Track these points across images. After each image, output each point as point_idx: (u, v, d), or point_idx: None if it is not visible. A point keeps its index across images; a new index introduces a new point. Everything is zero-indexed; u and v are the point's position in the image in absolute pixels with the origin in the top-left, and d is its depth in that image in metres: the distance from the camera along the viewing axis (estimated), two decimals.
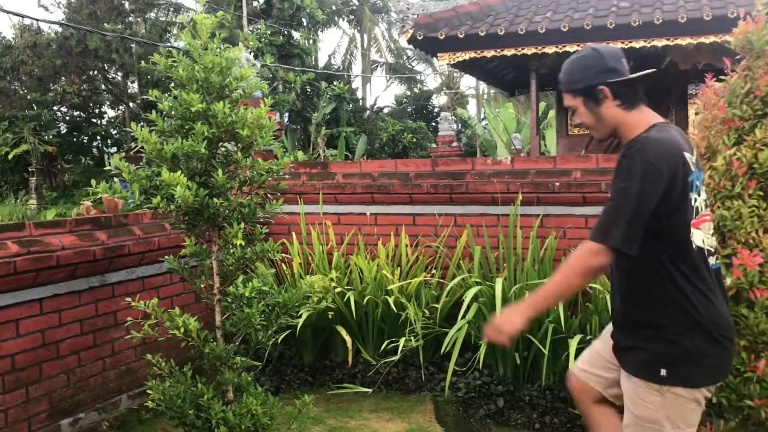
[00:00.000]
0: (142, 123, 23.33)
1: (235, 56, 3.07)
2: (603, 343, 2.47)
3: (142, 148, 3.03)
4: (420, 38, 7.64)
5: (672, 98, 8.32)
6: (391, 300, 4.10)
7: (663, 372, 2.11)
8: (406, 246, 4.51)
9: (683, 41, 6.52)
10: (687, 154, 2.10)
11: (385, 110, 34.37)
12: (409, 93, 36.84)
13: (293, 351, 4.55)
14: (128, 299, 3.10)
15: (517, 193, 4.25)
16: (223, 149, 3.15)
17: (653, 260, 2.10)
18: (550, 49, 7.00)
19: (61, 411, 3.37)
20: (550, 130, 21.10)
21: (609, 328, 2.42)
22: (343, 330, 4.24)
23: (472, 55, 7.26)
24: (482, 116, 29.40)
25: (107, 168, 3.01)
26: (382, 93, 51.36)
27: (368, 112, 30.80)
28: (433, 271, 4.40)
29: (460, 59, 7.48)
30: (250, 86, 3.14)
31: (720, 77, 2.95)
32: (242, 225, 3.00)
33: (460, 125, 28.01)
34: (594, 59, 2.20)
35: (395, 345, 4.13)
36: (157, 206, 2.91)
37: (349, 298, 4.19)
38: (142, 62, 3.22)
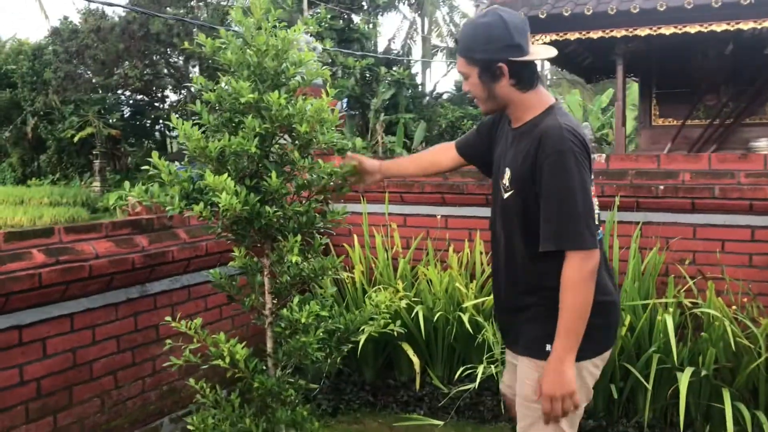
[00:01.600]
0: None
1: (294, 37, 2.59)
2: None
3: (184, 145, 2.59)
4: None
5: None
6: (465, 318, 3.59)
7: (548, 347, 2.04)
8: (481, 254, 3.99)
9: None
10: None
11: (445, 96, 33.54)
12: None
13: (353, 367, 4.09)
14: (168, 318, 2.68)
15: (613, 196, 3.67)
16: (276, 146, 2.70)
17: None
18: (642, 32, 6.28)
19: None
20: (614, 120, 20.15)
21: None
22: (410, 349, 3.77)
23: (554, 37, 6.58)
24: None
25: (145, 167, 2.57)
26: (441, 78, 50.23)
27: (427, 98, 30.13)
28: None
29: (540, 42, 6.82)
30: (310, 72, 2.66)
31: None
32: (298, 237, 2.53)
33: None
34: (500, 31, 2.03)
35: (467, 371, 3.63)
36: (200, 214, 2.48)
37: (417, 314, 3.70)
38: (185, 43, 2.79)
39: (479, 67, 2.08)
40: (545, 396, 2.00)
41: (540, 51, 2.14)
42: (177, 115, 2.69)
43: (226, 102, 2.56)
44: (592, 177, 2.07)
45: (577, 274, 1.96)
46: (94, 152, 22.54)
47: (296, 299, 2.59)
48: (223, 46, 2.60)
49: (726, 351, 3.25)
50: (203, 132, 2.56)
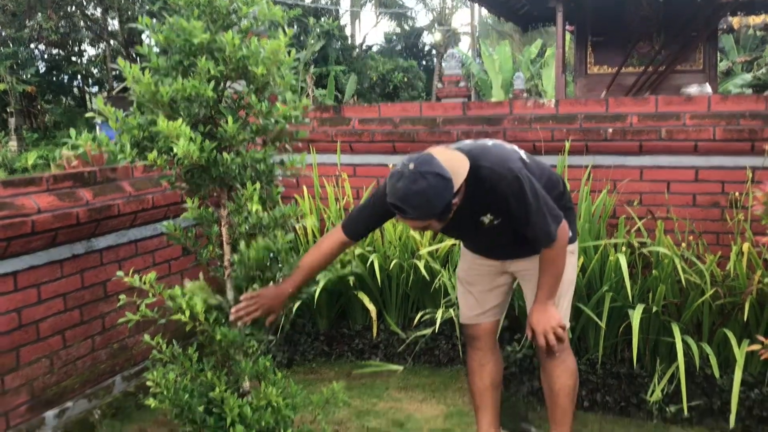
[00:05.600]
0: (123, 57, 22.28)
1: None
2: (481, 281, 2.77)
3: (132, 89, 2.45)
4: None
5: (703, 36, 7.69)
6: (421, 265, 3.59)
7: (570, 233, 2.57)
8: None
9: None
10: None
11: (374, 48, 33.29)
12: (399, 30, 35.65)
13: (306, 318, 4.05)
14: (120, 273, 2.56)
15: (563, 141, 3.71)
16: (230, 91, 2.58)
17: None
18: None
19: (44, 401, 2.87)
20: (546, 69, 20.35)
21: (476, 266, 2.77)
22: (366, 298, 3.74)
23: None
24: (477, 55, 28.51)
25: (89, 114, 2.42)
26: (371, 30, 49.47)
27: (357, 50, 29.79)
28: None
29: None
30: (263, 12, 2.54)
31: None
32: (258, 185, 2.45)
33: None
34: (443, 185, 2.20)
35: (426, 316, 3.65)
36: (154, 163, 2.35)
37: (372, 262, 3.68)
38: None
39: (438, 215, 2.23)
40: (541, 331, 2.53)
41: (459, 171, 2.29)
42: (96, 70, 2.53)
43: (176, 44, 2.42)
44: (528, 169, 2.44)
45: (552, 254, 2.48)
46: (8, 110, 21.34)
47: (242, 244, 2.51)
48: None
49: (673, 288, 3.36)
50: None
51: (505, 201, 2.38)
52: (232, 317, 2.46)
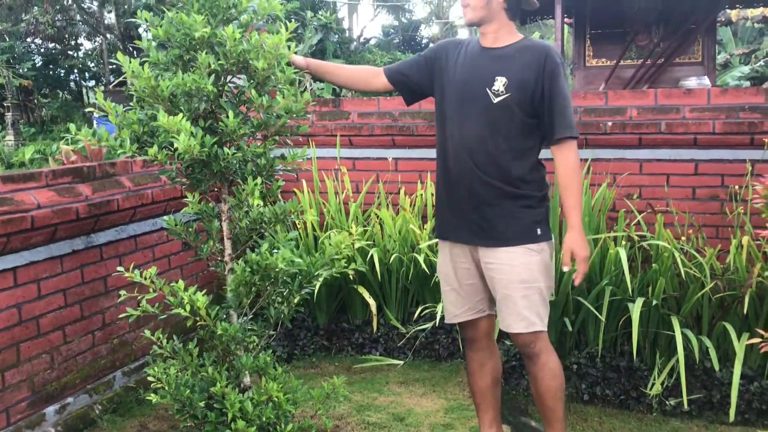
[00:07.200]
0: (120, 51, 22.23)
1: None
2: (457, 275, 2.67)
3: (131, 84, 2.44)
4: None
5: (702, 28, 7.67)
6: (420, 258, 3.59)
7: (539, 231, 2.51)
8: (433, 195, 3.98)
9: None
10: None
11: (372, 41, 33.19)
12: (396, 23, 35.58)
13: (306, 312, 4.05)
14: (120, 268, 2.56)
15: None
16: (230, 85, 2.57)
17: (539, 140, 2.55)
18: None
19: (45, 397, 2.87)
20: None
21: (449, 269, 2.69)
22: (366, 292, 3.74)
23: None
24: None
25: (88, 108, 2.41)
26: (369, 23, 49.57)
27: (355, 43, 29.72)
28: None
29: None
30: (262, 6, 2.54)
31: None
32: (259, 180, 2.45)
33: None
34: None
35: (426, 310, 3.65)
36: (155, 158, 2.35)
37: (372, 256, 3.67)
38: None
39: None
40: (583, 258, 2.48)
41: None
42: (93, 64, 2.53)
43: (175, 38, 2.42)
44: None
45: (576, 158, 2.49)
46: (5, 104, 21.25)
47: (265, 245, 2.50)
48: None
49: (673, 281, 3.37)
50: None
51: (539, 66, 2.42)
52: None
